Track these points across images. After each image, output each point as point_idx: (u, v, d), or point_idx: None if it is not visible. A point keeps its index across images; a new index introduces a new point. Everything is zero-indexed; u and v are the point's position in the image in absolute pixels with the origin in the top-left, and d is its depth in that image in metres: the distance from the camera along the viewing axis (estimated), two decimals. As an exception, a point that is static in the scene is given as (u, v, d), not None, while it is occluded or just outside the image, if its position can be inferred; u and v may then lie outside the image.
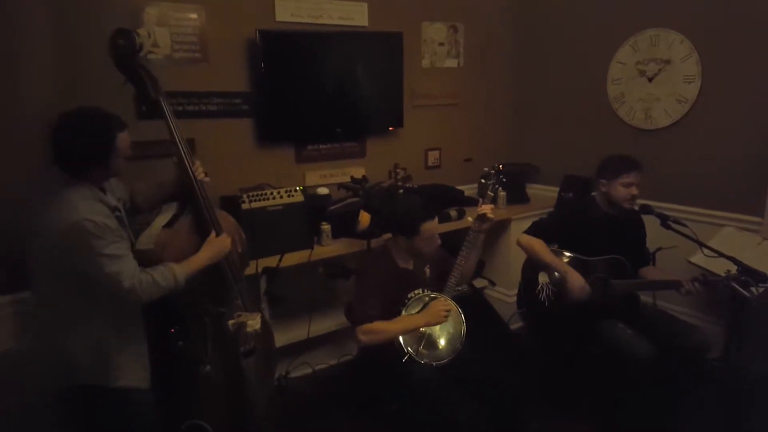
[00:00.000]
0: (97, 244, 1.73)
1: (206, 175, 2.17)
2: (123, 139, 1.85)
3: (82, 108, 1.82)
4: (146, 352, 2.02)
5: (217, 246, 2.09)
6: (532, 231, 2.73)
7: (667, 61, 3.36)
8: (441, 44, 3.98)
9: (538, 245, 2.64)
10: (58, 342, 1.86)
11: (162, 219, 2.10)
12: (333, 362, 3.27)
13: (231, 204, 2.85)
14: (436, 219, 2.47)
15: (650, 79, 3.46)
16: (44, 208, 1.78)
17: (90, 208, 1.77)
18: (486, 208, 2.47)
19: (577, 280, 2.52)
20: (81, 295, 1.83)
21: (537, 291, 2.69)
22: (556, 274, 2.60)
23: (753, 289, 2.27)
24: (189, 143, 2.17)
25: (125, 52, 2.01)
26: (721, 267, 2.43)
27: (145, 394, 1.98)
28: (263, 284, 2.78)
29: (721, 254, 2.39)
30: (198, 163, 2.16)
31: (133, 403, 1.94)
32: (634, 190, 2.56)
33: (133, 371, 1.94)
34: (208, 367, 2.13)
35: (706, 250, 2.46)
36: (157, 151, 2.63)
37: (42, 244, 1.79)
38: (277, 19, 3.25)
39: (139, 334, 2.00)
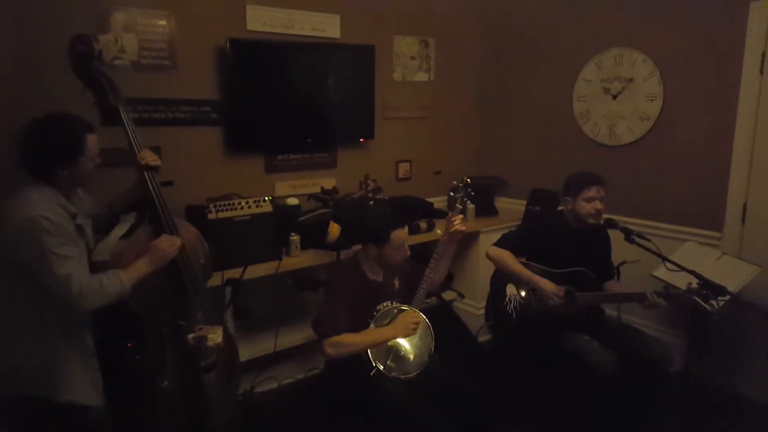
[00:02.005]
0: (49, 241, 1.70)
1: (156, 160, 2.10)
2: (92, 140, 1.86)
3: (52, 112, 1.85)
4: (97, 367, 1.94)
5: (156, 249, 1.99)
6: (500, 243, 2.75)
7: (631, 80, 3.46)
8: (412, 58, 4.01)
9: (507, 257, 2.66)
10: (3, 350, 1.79)
11: (119, 230, 2.05)
12: (300, 376, 3.22)
13: (197, 214, 2.79)
14: (406, 228, 2.47)
15: (614, 97, 3.55)
16: (3, 205, 1.75)
17: (48, 207, 1.75)
18: (456, 220, 2.48)
19: (548, 286, 2.55)
20: (30, 300, 1.78)
21: (505, 303, 2.71)
22: (529, 286, 2.62)
23: (713, 303, 2.32)
24: (155, 151, 2.13)
25: (83, 59, 1.98)
26: (683, 281, 2.48)
27: (95, 412, 1.90)
28: (228, 296, 2.72)
29: (682, 268, 2.44)
30: (146, 150, 2.08)
31: (82, 419, 1.87)
32: (598, 204, 2.60)
33: (82, 386, 1.87)
34: (165, 382, 2.06)
35: (668, 264, 2.51)
36: (121, 158, 2.56)
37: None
38: (249, 28, 3.23)
39: (88, 347, 1.93)
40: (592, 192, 2.58)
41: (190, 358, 2.10)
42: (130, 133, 2.06)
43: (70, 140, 1.81)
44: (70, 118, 1.85)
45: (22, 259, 1.72)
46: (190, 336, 2.05)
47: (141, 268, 1.93)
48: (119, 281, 1.84)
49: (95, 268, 1.87)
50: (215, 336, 2.06)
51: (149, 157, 2.06)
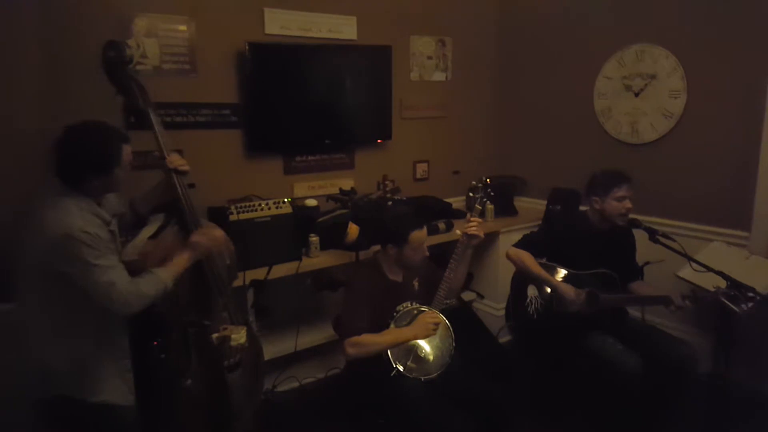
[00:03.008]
0: (89, 253, 1.73)
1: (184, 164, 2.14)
2: (126, 151, 1.87)
3: (87, 120, 1.84)
4: (130, 368, 1.97)
5: (197, 244, 2.04)
6: (521, 244, 2.72)
7: (653, 76, 3.40)
8: (429, 58, 4.00)
9: (527, 258, 2.64)
10: (37, 350, 1.82)
11: (148, 230, 2.08)
12: (320, 376, 3.23)
13: (219, 215, 2.82)
14: (425, 229, 2.47)
15: (636, 94, 3.50)
16: (39, 215, 1.76)
17: (84, 218, 1.76)
18: (473, 222, 2.46)
19: (568, 290, 2.52)
20: (65, 303, 1.80)
21: (526, 304, 2.69)
22: (548, 289, 2.60)
23: (743, 305, 2.27)
24: (179, 154, 2.16)
25: (116, 64, 2.03)
26: (709, 281, 2.44)
27: (126, 412, 1.93)
28: (251, 297, 2.75)
29: (709, 269, 2.39)
30: (175, 154, 2.12)
31: (112, 420, 1.89)
32: (628, 204, 2.55)
33: (114, 386, 1.90)
34: (189, 381, 2.08)
35: (694, 265, 2.46)
36: (146, 160, 2.60)
37: (32, 251, 1.77)
38: (267, 31, 3.25)
39: (122, 348, 1.96)
40: (622, 191, 2.54)
41: (214, 358, 2.13)
42: (159, 136, 2.09)
43: (106, 151, 1.80)
44: (105, 128, 1.84)
45: (63, 270, 1.74)
46: (214, 336, 2.08)
47: (182, 262, 1.97)
48: (160, 281, 1.87)
49: (125, 267, 1.89)
50: (239, 336, 2.08)
51: (178, 161, 2.09)
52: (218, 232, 2.13)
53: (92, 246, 1.73)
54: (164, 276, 1.89)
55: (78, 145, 1.78)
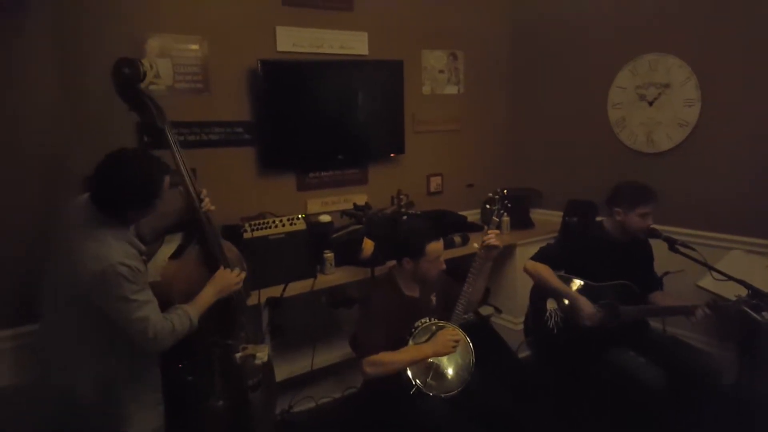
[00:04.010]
0: (128, 288, 1.72)
1: (210, 203, 2.15)
2: (167, 182, 1.84)
3: (128, 151, 1.80)
4: (161, 400, 1.96)
5: (222, 281, 2.04)
6: (538, 257, 2.69)
7: (667, 85, 3.37)
8: (441, 71, 4.01)
9: (545, 271, 2.61)
10: (67, 380, 1.81)
11: (167, 250, 2.07)
12: (337, 396, 3.19)
13: (233, 233, 2.81)
14: (442, 241, 2.45)
15: (650, 103, 3.47)
16: (77, 246, 1.73)
17: (124, 251, 1.75)
18: (492, 234, 2.44)
19: (586, 306, 2.48)
20: (100, 334, 1.80)
21: (545, 318, 2.65)
22: (566, 301, 2.56)
23: (765, 314, 2.23)
24: (192, 173, 2.16)
25: (130, 81, 2.01)
26: (730, 290, 2.40)
27: None
28: (266, 315, 2.73)
29: (730, 278, 2.35)
30: (204, 191, 2.13)
31: None
32: (650, 221, 2.53)
33: (147, 418, 1.89)
34: (220, 402, 2.06)
35: (714, 274, 2.42)
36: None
37: (69, 280, 1.75)
38: (279, 49, 3.27)
39: (155, 380, 1.95)
40: (648, 209, 2.52)
41: (238, 378, 2.11)
42: (177, 154, 2.07)
43: (150, 186, 1.77)
44: (149, 160, 1.79)
45: (99, 304, 1.73)
46: (238, 355, 2.06)
47: (207, 300, 1.97)
48: (188, 319, 1.87)
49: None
50: (262, 354, 2.08)
51: (208, 205, 2.11)
52: (241, 274, 2.12)
53: (132, 280, 1.72)
54: (193, 314, 1.89)
55: (122, 178, 1.73)
